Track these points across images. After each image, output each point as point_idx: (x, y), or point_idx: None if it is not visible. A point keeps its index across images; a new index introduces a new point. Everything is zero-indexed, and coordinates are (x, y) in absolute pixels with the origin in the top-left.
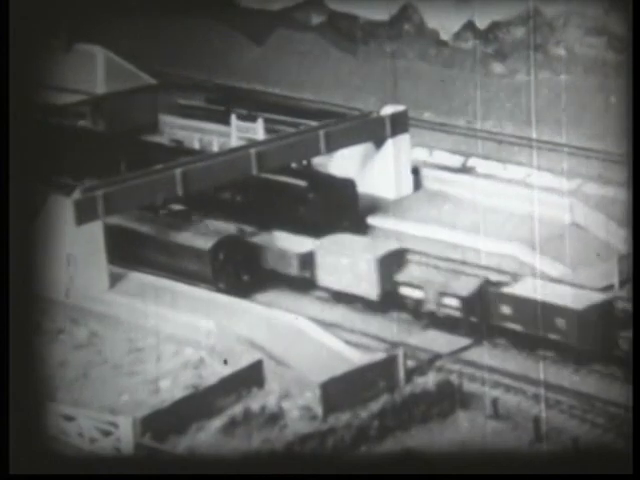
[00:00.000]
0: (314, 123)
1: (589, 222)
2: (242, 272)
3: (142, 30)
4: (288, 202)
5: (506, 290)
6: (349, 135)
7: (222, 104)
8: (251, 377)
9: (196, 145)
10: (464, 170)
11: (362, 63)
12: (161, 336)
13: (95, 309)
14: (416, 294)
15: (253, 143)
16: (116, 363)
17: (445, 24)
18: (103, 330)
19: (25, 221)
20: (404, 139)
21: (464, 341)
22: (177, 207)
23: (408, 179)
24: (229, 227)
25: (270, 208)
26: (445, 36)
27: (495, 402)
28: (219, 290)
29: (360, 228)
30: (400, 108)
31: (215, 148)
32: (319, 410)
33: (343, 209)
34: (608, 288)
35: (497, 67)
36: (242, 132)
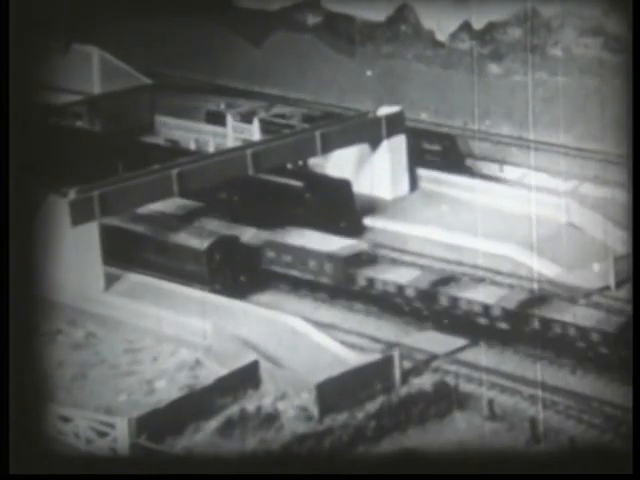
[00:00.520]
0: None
1: (585, 223)
2: (238, 273)
3: (140, 31)
4: (284, 203)
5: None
6: (345, 136)
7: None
8: (247, 378)
9: (192, 146)
10: (461, 170)
11: (359, 64)
12: (158, 337)
13: (92, 310)
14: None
15: (249, 144)
16: (113, 363)
17: (442, 25)
18: (100, 331)
19: (24, 222)
20: (400, 140)
21: (460, 342)
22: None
23: (404, 180)
24: (225, 227)
25: (266, 209)
26: (442, 37)
27: (492, 403)
28: (215, 291)
29: (357, 229)
30: (396, 109)
31: (211, 149)
32: (315, 411)
33: (339, 209)
34: (605, 289)
35: (494, 68)
36: (238, 133)
